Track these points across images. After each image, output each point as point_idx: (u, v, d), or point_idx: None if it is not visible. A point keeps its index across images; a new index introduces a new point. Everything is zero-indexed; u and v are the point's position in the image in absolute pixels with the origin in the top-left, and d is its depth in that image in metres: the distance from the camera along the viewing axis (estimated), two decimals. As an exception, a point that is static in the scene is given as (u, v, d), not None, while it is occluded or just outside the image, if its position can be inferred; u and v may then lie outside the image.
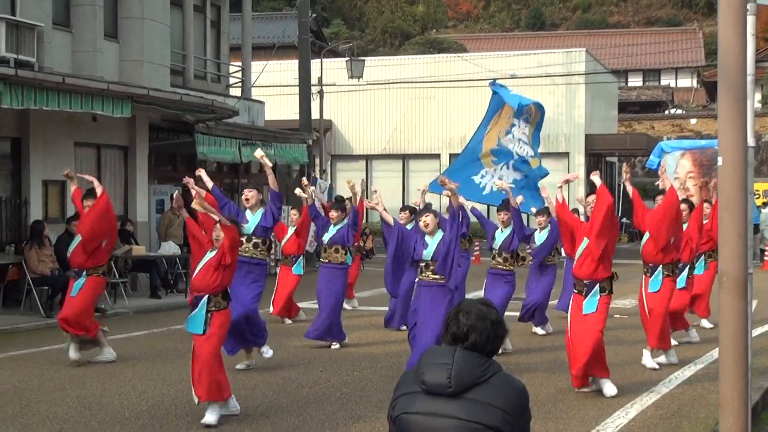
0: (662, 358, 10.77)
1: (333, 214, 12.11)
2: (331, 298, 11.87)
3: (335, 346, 11.82)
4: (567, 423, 7.99)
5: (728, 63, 6.06)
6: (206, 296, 7.96)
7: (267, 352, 10.54)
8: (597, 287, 9.06)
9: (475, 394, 3.48)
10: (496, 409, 3.46)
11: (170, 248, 17.69)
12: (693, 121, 39.72)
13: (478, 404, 3.47)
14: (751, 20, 6.49)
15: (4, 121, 15.30)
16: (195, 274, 8.08)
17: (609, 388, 9.06)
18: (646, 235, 10.92)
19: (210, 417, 7.86)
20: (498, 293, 11.59)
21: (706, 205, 13.00)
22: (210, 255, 8.06)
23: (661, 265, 10.67)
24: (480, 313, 3.61)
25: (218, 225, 8.03)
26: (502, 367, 3.62)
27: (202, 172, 10.16)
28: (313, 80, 26.11)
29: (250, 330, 10.24)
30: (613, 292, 9.32)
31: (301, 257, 14.03)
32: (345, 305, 13.68)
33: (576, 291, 9.27)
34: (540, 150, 16.94)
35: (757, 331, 12.34)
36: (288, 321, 13.98)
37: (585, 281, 9.10)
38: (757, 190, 26.66)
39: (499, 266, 11.87)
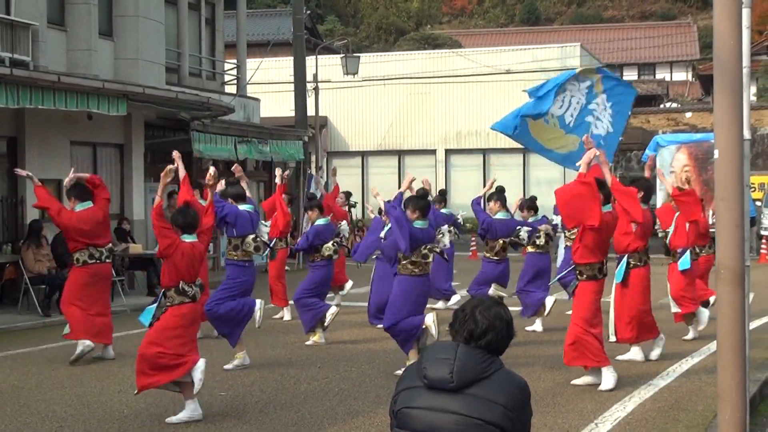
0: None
1: (310, 214, 12.14)
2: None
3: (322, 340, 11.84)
4: (565, 417, 8.00)
5: (724, 56, 6.07)
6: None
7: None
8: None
9: (477, 390, 3.50)
10: (497, 405, 3.48)
11: (167, 246, 17.64)
12: (688, 114, 39.65)
13: (480, 400, 3.48)
14: (746, 13, 6.49)
15: (0, 120, 15.28)
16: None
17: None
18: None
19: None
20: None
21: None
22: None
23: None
24: (497, 313, 3.65)
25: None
26: (503, 363, 3.63)
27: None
28: (308, 77, 26.12)
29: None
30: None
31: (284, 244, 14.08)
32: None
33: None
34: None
35: (754, 324, 12.35)
36: (286, 316, 13.95)
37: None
38: (753, 183, 26.69)
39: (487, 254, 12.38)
